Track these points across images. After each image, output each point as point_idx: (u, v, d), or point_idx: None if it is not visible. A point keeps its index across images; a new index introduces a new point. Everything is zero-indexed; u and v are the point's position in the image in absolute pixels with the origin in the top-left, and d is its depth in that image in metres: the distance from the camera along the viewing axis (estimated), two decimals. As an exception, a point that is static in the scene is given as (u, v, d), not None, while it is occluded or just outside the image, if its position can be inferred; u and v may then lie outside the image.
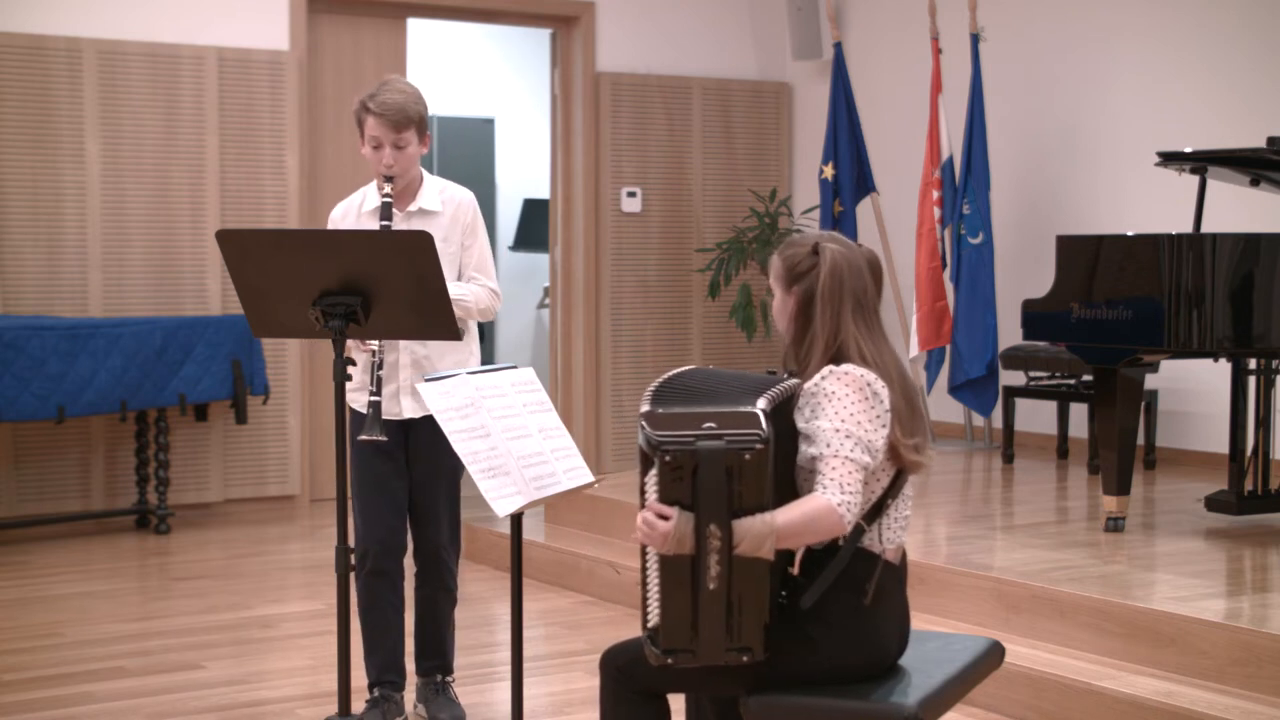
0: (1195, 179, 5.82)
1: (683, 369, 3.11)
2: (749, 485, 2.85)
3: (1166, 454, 7.41)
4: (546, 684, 4.89)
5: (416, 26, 9.13)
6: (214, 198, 7.81)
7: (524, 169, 11.39)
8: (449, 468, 4.33)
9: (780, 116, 9.54)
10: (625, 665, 3.13)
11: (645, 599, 2.94)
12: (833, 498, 2.90)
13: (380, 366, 4.05)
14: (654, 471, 2.86)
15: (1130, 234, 5.64)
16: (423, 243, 3.68)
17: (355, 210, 4.35)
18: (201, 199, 7.79)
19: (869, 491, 3.06)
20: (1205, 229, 5.63)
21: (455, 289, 4.20)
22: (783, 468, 2.99)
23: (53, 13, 7.53)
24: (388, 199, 4.16)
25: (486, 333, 10.95)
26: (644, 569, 2.95)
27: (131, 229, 7.65)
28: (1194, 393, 7.34)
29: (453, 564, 4.45)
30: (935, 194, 8.07)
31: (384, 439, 4.04)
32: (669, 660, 2.93)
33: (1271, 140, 5.51)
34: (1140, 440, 6.43)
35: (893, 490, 3.09)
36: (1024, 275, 7.81)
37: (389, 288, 3.69)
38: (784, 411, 3.00)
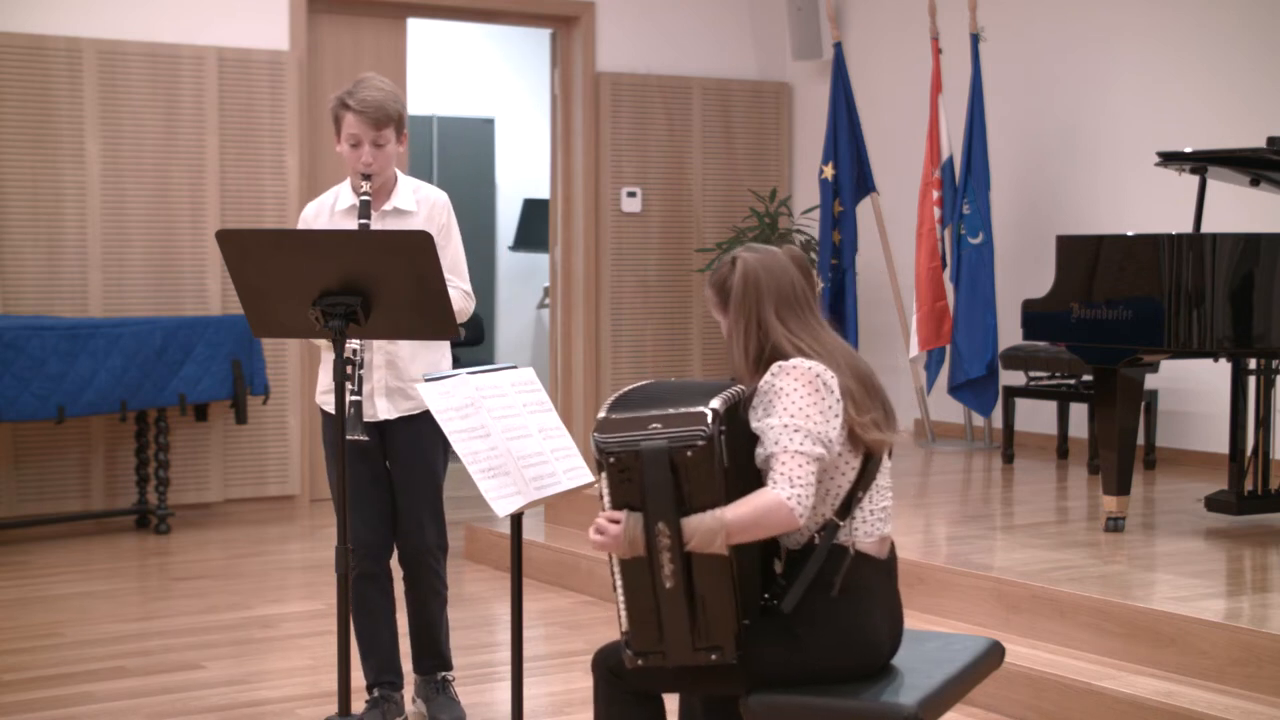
0: (1195, 179, 5.82)
1: (644, 382, 3.13)
2: (697, 483, 2.87)
3: (1166, 454, 7.41)
4: (546, 684, 4.89)
5: (416, 26, 9.13)
6: (214, 198, 7.81)
7: (524, 169, 11.39)
8: (429, 469, 4.31)
9: (780, 116, 9.54)
10: (618, 666, 3.13)
11: (616, 605, 2.99)
12: (782, 492, 2.92)
13: (361, 365, 4.03)
14: (604, 475, 2.91)
15: (1130, 234, 5.64)
16: (423, 243, 3.67)
17: (328, 209, 4.32)
18: (201, 199, 7.79)
19: (835, 485, 3.06)
20: (1205, 229, 5.63)
21: None
22: (745, 468, 3.00)
23: (53, 13, 7.53)
24: (366, 197, 4.14)
25: (486, 333, 10.95)
26: (613, 575, 2.99)
27: (131, 229, 7.65)
28: (1194, 393, 7.34)
29: (439, 566, 4.41)
30: (935, 194, 8.07)
31: (366, 439, 4.02)
32: (640, 662, 2.97)
33: (1271, 140, 5.51)
34: (1140, 440, 6.43)
35: (862, 481, 3.08)
36: (1024, 275, 7.81)
37: (389, 288, 3.69)
38: (741, 414, 3.02)
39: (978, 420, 8.27)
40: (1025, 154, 8.21)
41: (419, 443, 4.26)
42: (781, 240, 8.79)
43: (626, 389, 3.10)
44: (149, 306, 7.65)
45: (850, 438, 3.06)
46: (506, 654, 5.11)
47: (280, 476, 8.03)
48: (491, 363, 4.30)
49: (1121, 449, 5.56)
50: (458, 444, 3.35)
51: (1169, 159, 5.79)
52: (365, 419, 4.14)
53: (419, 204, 4.31)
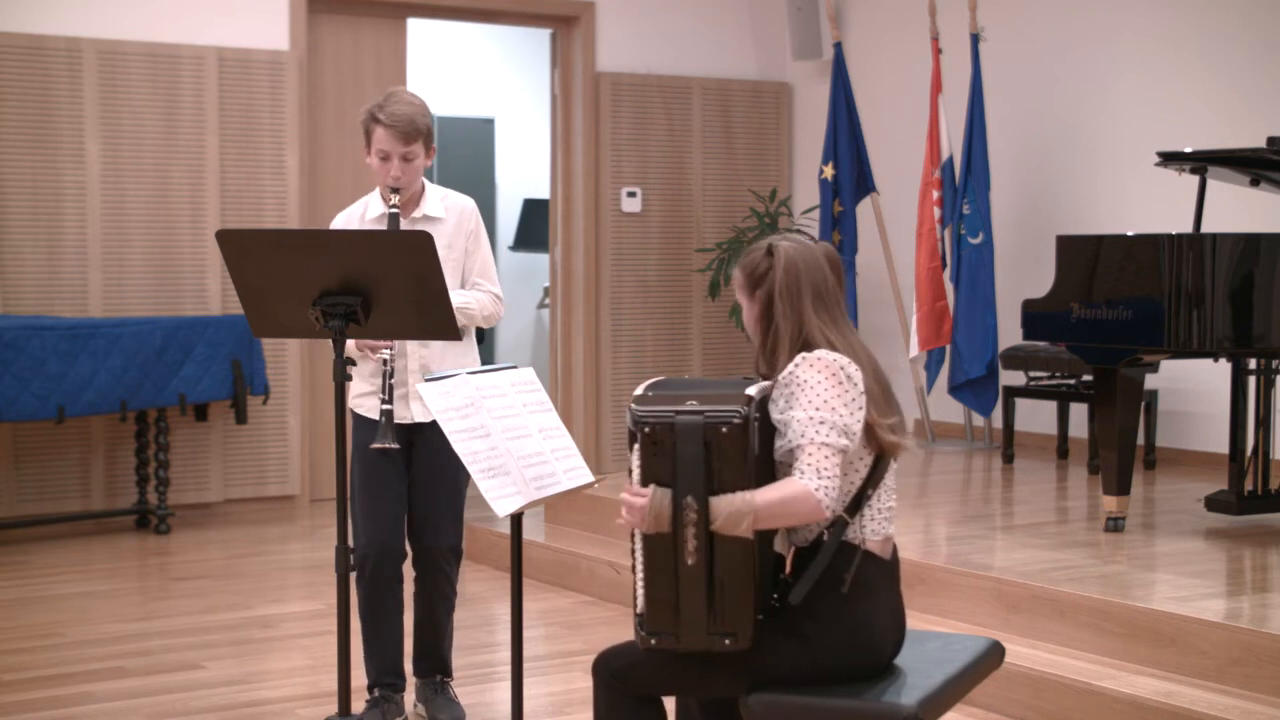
0: (1195, 179, 5.82)
1: (678, 377, 3.16)
2: (728, 462, 2.89)
3: (1166, 454, 7.41)
4: (546, 684, 4.89)
5: (416, 26, 9.13)
6: (214, 198, 7.81)
7: (524, 169, 11.39)
8: (452, 474, 4.32)
9: (780, 116, 9.54)
10: (619, 670, 3.13)
11: (634, 585, 2.99)
12: (810, 483, 2.92)
13: (392, 375, 4.06)
14: (636, 446, 2.93)
15: (1130, 234, 5.64)
16: (422, 243, 3.68)
17: (358, 219, 4.36)
18: (201, 199, 7.79)
19: (847, 482, 3.07)
20: (1205, 229, 5.63)
21: (459, 297, 4.22)
22: (769, 460, 3.02)
23: (53, 13, 7.53)
24: (394, 210, 4.18)
25: (487, 333, 10.95)
26: (633, 554, 2.99)
27: (131, 229, 7.65)
28: (1194, 393, 7.34)
29: (452, 572, 4.43)
30: (935, 194, 8.07)
31: (396, 447, 4.05)
32: (653, 641, 2.97)
33: (1271, 140, 5.51)
34: (1140, 440, 6.43)
35: (873, 479, 3.09)
36: (1024, 275, 7.81)
37: (389, 288, 3.69)
38: (766, 406, 3.04)
39: (978, 420, 8.27)
40: (1025, 154, 8.21)
41: (448, 448, 4.28)
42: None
43: (661, 378, 3.13)
44: (149, 306, 7.65)
45: (867, 434, 3.07)
46: (506, 654, 5.11)
47: (280, 476, 8.03)
48: (491, 363, 4.31)
49: (1121, 449, 5.56)
50: (458, 444, 3.36)
51: (1169, 159, 5.79)
52: (397, 422, 4.18)
53: (447, 210, 4.35)
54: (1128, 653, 4.46)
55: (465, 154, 11.18)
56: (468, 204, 4.41)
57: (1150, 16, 7.58)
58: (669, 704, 3.26)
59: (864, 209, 8.50)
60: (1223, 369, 6.05)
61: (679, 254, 9.24)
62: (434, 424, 4.18)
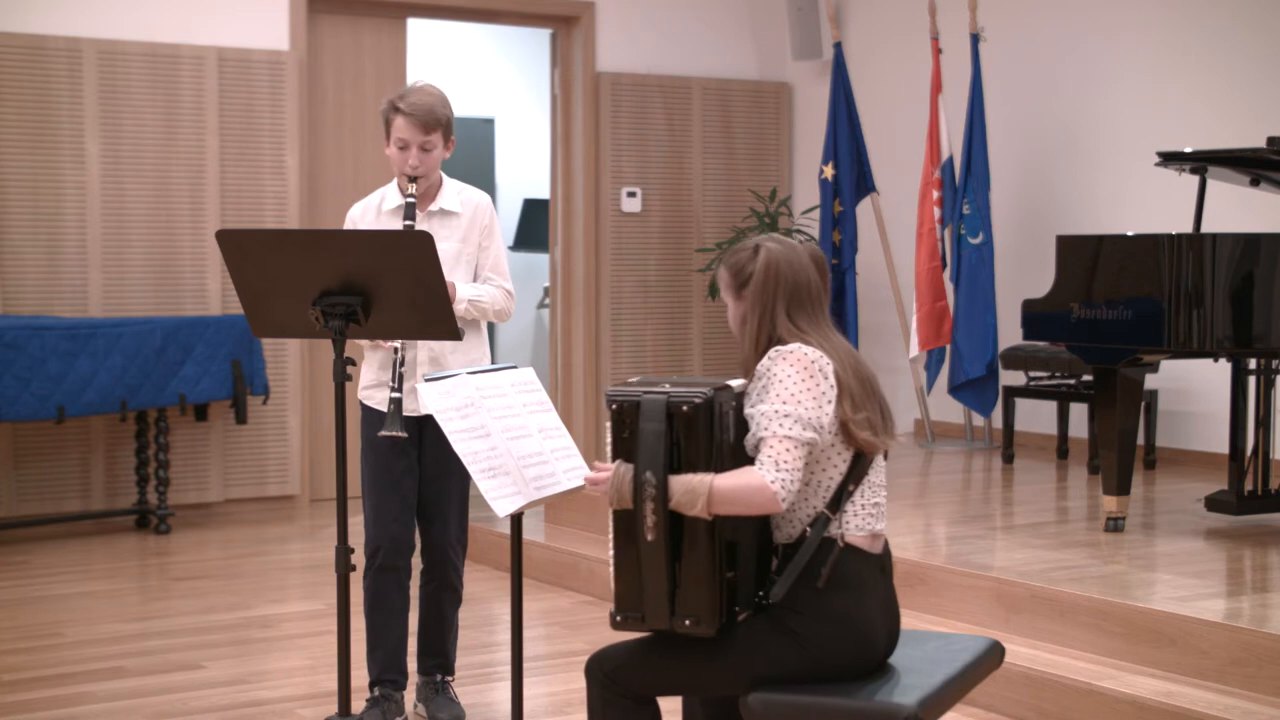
0: (1195, 179, 5.82)
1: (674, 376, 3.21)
2: (690, 441, 2.97)
3: (1166, 454, 7.41)
4: (546, 684, 4.89)
5: (416, 26, 9.13)
6: (214, 198, 7.81)
7: (524, 169, 11.39)
8: (461, 466, 4.33)
9: (780, 116, 9.54)
10: (613, 670, 3.14)
11: (610, 574, 3.08)
12: (767, 474, 2.95)
13: (402, 364, 4.08)
14: (608, 425, 3.04)
15: (1130, 234, 5.64)
16: (422, 242, 3.68)
17: (375, 209, 4.38)
18: (201, 199, 7.79)
19: (826, 477, 3.08)
20: (1205, 229, 5.63)
21: (472, 290, 4.26)
22: (739, 449, 3.06)
23: (53, 13, 7.53)
24: (411, 199, 4.21)
25: (487, 333, 10.92)
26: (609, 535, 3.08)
27: (131, 229, 7.65)
28: (1194, 393, 7.34)
29: (459, 562, 4.46)
30: (935, 194, 8.07)
31: (404, 435, 4.07)
32: (619, 619, 3.06)
33: (1271, 140, 5.51)
34: (1140, 440, 6.43)
35: (854, 475, 3.10)
36: (1024, 275, 7.81)
37: (389, 288, 3.69)
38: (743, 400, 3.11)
39: (978, 420, 8.27)
40: (1025, 154, 8.21)
41: None
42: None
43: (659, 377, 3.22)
44: (149, 306, 7.65)
45: (843, 431, 3.07)
46: (506, 654, 5.11)
47: (280, 476, 8.03)
48: (492, 363, 4.31)
49: (1121, 449, 5.56)
50: (458, 444, 3.36)
51: (1169, 159, 5.79)
52: (407, 414, 4.19)
53: (463, 205, 4.38)
54: (1128, 653, 4.46)
55: (465, 154, 11.15)
56: (483, 200, 4.44)
57: (1151, 16, 7.58)
58: (672, 704, 3.26)
59: (864, 209, 8.50)
60: (1223, 369, 6.05)
61: (679, 254, 9.24)
62: None
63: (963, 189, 7.87)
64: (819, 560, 3.06)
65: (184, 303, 7.75)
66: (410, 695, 4.52)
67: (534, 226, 11.21)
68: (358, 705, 4.31)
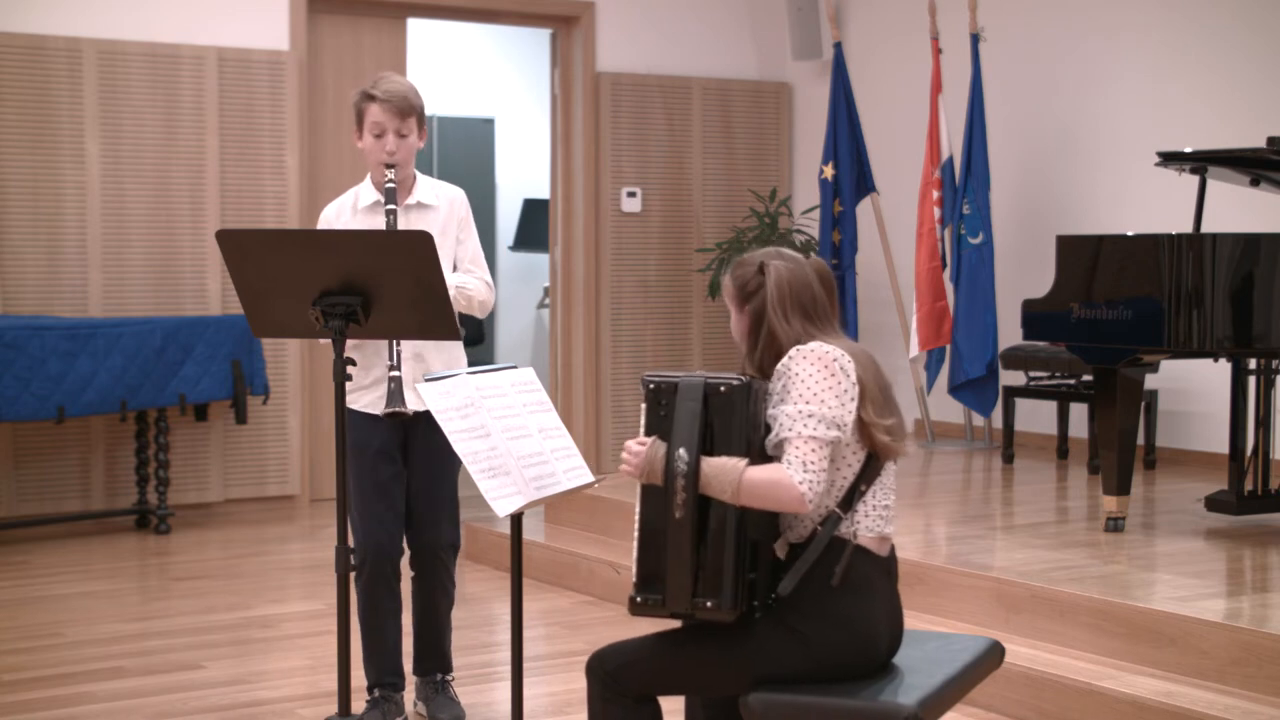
0: (1195, 179, 5.82)
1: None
2: (725, 423, 3.01)
3: (1166, 454, 7.41)
4: (546, 684, 4.89)
5: (416, 26, 9.14)
6: (214, 198, 7.81)
7: (524, 169, 11.39)
8: (449, 466, 4.33)
9: (780, 116, 9.54)
10: (614, 669, 3.13)
11: (633, 549, 3.08)
12: (795, 474, 2.96)
13: (398, 342, 4.07)
14: (644, 404, 3.07)
15: (1130, 234, 5.64)
16: (423, 242, 3.68)
17: (349, 208, 4.35)
18: (201, 199, 7.79)
19: (839, 477, 3.09)
20: (1205, 229, 5.63)
21: (458, 278, 4.27)
22: (761, 447, 3.07)
23: (53, 13, 7.53)
24: (391, 184, 4.19)
25: (487, 332, 10.95)
26: (635, 515, 3.09)
27: (131, 229, 7.65)
28: (1194, 393, 7.34)
29: (451, 564, 4.45)
30: (935, 194, 8.07)
31: (408, 411, 4.06)
32: (639, 600, 3.04)
33: (1271, 140, 5.51)
34: (1140, 440, 6.43)
35: (865, 476, 3.11)
36: (1024, 275, 7.81)
37: (389, 287, 3.69)
38: (765, 396, 3.13)
39: (978, 420, 8.27)
40: (1025, 154, 8.21)
41: (443, 439, 4.28)
42: (781, 241, 8.79)
43: None
44: (149, 306, 7.65)
45: (861, 432, 3.08)
46: (506, 654, 5.11)
47: (280, 476, 8.03)
48: (491, 363, 4.31)
49: (1121, 449, 5.56)
50: (458, 444, 3.36)
51: (1169, 159, 5.79)
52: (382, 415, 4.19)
53: (439, 199, 4.38)
54: (1128, 653, 4.46)
55: (465, 154, 11.18)
56: (458, 193, 4.45)
57: (1151, 16, 7.58)
58: (674, 704, 3.26)
59: (864, 209, 8.50)
60: (1223, 369, 6.05)
61: (679, 254, 9.24)
62: (428, 416, 4.19)
63: (963, 189, 7.87)
64: (830, 559, 3.07)
65: (184, 303, 7.75)
66: (410, 695, 4.52)
67: (534, 226, 11.21)
68: (358, 705, 4.31)
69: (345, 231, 4.23)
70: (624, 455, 3.08)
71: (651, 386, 3.06)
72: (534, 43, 10.54)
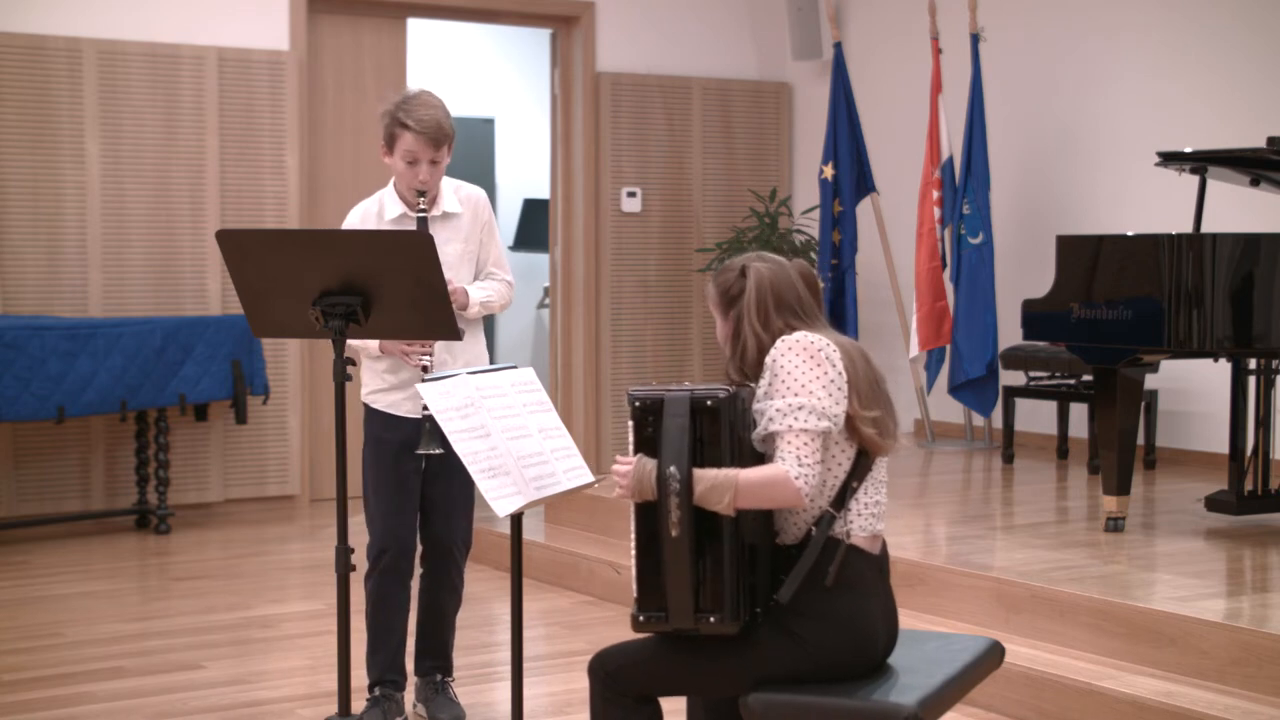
0: (1195, 179, 5.82)
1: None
2: (713, 436, 3.00)
3: (1166, 454, 7.41)
4: (546, 684, 4.89)
5: (416, 26, 9.13)
6: (214, 198, 7.81)
7: (524, 169, 11.39)
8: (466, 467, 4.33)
9: (780, 116, 9.54)
10: (615, 670, 3.14)
11: (632, 572, 3.07)
12: (790, 469, 2.97)
13: (427, 371, 4.10)
14: (631, 421, 3.05)
15: (1130, 234, 5.64)
16: (422, 243, 3.68)
17: (374, 217, 4.34)
18: (201, 199, 7.79)
19: (830, 476, 3.09)
20: (1205, 229, 5.63)
21: (481, 293, 4.32)
22: (752, 453, 3.07)
23: (53, 13, 7.53)
24: (422, 212, 4.21)
25: (487, 333, 10.93)
26: (630, 533, 3.08)
27: (131, 229, 7.65)
28: (1194, 393, 7.34)
29: (461, 563, 4.47)
30: (935, 194, 8.07)
31: (440, 451, 4.03)
32: (641, 619, 3.04)
33: (1271, 140, 5.51)
34: (1140, 440, 6.43)
35: (857, 473, 3.11)
36: (1024, 275, 7.81)
37: (389, 288, 3.69)
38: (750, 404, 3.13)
39: (978, 420, 8.27)
40: (1025, 154, 8.21)
41: None
42: (781, 240, 8.79)
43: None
44: (149, 306, 7.65)
45: (849, 426, 3.08)
46: (506, 654, 5.11)
47: (280, 476, 8.03)
48: (491, 362, 4.31)
49: (1121, 449, 5.56)
50: (458, 444, 3.36)
51: (1169, 159, 5.79)
52: (410, 415, 4.24)
53: (462, 203, 4.39)
54: (1128, 653, 4.46)
55: (465, 154, 11.13)
56: (480, 196, 4.46)
57: (1151, 16, 7.58)
58: (678, 704, 3.26)
59: (864, 209, 8.50)
60: (1223, 369, 6.04)
61: (679, 254, 9.24)
62: None
63: (963, 189, 7.86)
64: (825, 559, 3.07)
65: (184, 303, 7.75)
66: (409, 695, 4.52)
67: (534, 226, 11.21)
68: (358, 705, 4.31)
69: (345, 231, 4.23)
70: (613, 476, 3.07)
71: (637, 404, 3.04)
72: (534, 43, 10.54)
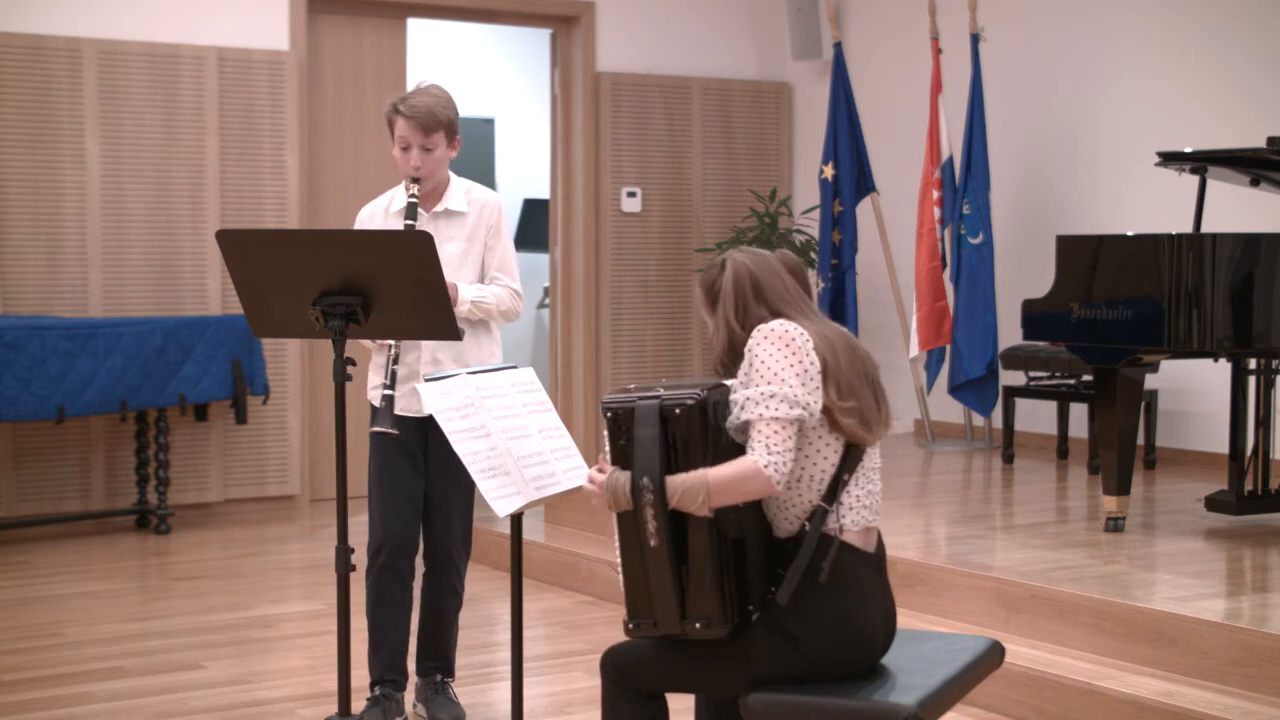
0: (1195, 179, 5.82)
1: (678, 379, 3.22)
2: (686, 443, 2.98)
3: (1166, 454, 7.41)
4: (546, 684, 4.89)
5: (416, 26, 9.13)
6: (214, 198, 7.81)
7: (524, 169, 11.39)
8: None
9: (780, 116, 9.54)
10: (622, 665, 3.15)
11: (620, 582, 3.08)
12: (759, 459, 2.96)
13: (396, 361, 4.08)
14: (605, 433, 3.04)
15: (1130, 234, 5.64)
16: (422, 242, 3.69)
17: (382, 211, 4.39)
18: (201, 199, 7.79)
19: (818, 470, 3.07)
20: (1205, 229, 5.63)
21: (475, 291, 4.26)
22: (728, 443, 3.06)
23: (53, 13, 7.53)
24: (413, 199, 4.22)
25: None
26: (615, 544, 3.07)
27: (131, 229, 7.65)
28: (1194, 393, 7.34)
29: (462, 565, 4.46)
30: (935, 194, 8.07)
31: (394, 432, 4.06)
32: (631, 626, 3.04)
33: (1271, 140, 5.51)
34: (1140, 440, 6.43)
35: (847, 465, 3.09)
36: (1024, 275, 7.81)
37: (389, 288, 3.70)
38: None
39: (978, 420, 8.27)
40: (1025, 154, 8.21)
41: None
42: (782, 240, 8.79)
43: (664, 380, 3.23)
44: (149, 306, 7.65)
45: (828, 418, 3.07)
46: (506, 654, 5.11)
47: (280, 476, 8.03)
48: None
49: (1121, 449, 5.56)
50: (458, 444, 3.36)
51: (1169, 159, 5.79)
52: (411, 414, 4.24)
53: (470, 204, 4.38)
54: (1128, 653, 4.46)
55: (465, 154, 11.10)
56: (492, 198, 4.45)
57: (1151, 16, 7.58)
58: (683, 702, 3.27)
59: (864, 209, 8.50)
60: (1223, 369, 6.05)
61: (679, 254, 9.24)
62: None
63: (963, 189, 7.87)
64: (819, 557, 3.06)
65: (184, 303, 7.75)
66: (409, 695, 4.52)
67: (534, 226, 11.20)
68: (358, 705, 4.31)
69: (345, 231, 4.23)
70: (588, 488, 3.08)
71: (609, 415, 3.03)
72: (534, 43, 10.54)
